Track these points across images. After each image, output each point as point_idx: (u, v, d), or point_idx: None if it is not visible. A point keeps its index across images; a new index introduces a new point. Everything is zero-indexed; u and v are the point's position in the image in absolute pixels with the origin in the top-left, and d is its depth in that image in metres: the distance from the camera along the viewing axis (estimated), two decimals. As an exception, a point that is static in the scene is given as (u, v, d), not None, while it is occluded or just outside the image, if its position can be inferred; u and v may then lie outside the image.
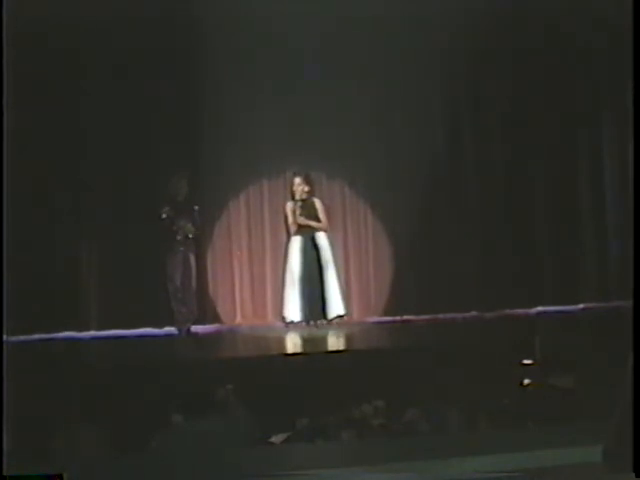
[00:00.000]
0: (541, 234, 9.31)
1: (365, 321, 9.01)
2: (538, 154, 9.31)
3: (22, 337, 7.81)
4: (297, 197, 8.54)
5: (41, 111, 8.42)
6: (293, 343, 7.97)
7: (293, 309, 8.52)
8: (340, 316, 8.57)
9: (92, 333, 8.60)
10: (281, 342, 8.00)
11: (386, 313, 9.14)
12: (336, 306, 8.56)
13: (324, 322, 8.47)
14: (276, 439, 4.52)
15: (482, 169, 9.30)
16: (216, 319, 8.96)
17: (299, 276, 8.49)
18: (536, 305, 9.11)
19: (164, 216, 8.13)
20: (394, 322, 8.95)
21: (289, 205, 8.62)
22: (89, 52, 8.54)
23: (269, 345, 7.97)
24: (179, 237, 8.15)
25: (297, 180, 8.56)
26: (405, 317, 9.03)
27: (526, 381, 5.17)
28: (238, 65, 8.76)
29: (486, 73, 9.18)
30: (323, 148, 8.91)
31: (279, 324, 8.67)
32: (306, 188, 8.56)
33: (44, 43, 8.36)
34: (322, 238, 8.59)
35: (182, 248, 8.21)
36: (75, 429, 4.45)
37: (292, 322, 8.51)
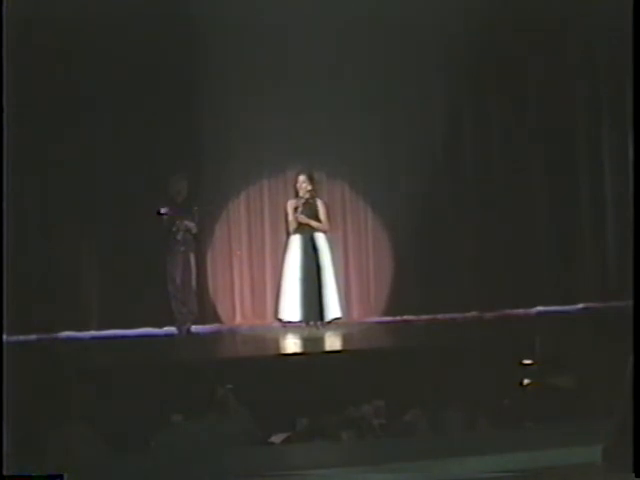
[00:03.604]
0: (541, 234, 9.31)
1: (365, 321, 9.00)
2: (538, 154, 9.31)
3: (22, 337, 7.81)
4: (301, 195, 8.52)
5: (41, 111, 8.42)
6: (293, 343, 7.95)
7: (291, 309, 8.51)
8: (337, 319, 8.55)
9: (92, 333, 8.59)
10: (281, 342, 7.99)
11: (386, 313, 9.14)
12: (333, 309, 8.54)
13: (321, 323, 8.46)
14: (276, 439, 4.53)
15: (482, 169, 9.30)
16: (216, 319, 8.95)
17: (297, 276, 8.48)
18: (536, 305, 9.12)
19: (164, 216, 8.12)
20: (394, 322, 8.95)
21: (291, 202, 8.59)
22: (89, 51, 8.53)
23: (269, 345, 7.97)
24: (179, 237, 8.15)
25: (301, 178, 8.53)
26: (405, 317, 9.02)
27: (526, 381, 5.17)
28: (238, 65, 8.75)
29: (486, 73, 9.18)
30: (323, 148, 8.91)
31: (279, 324, 8.66)
32: (309, 187, 8.54)
33: (45, 42, 8.35)
34: (321, 239, 8.56)
35: (182, 248, 8.21)
36: (75, 429, 4.44)
37: (290, 322, 8.50)
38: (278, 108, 8.79)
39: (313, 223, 8.51)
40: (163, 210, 8.07)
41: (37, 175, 8.51)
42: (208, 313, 8.86)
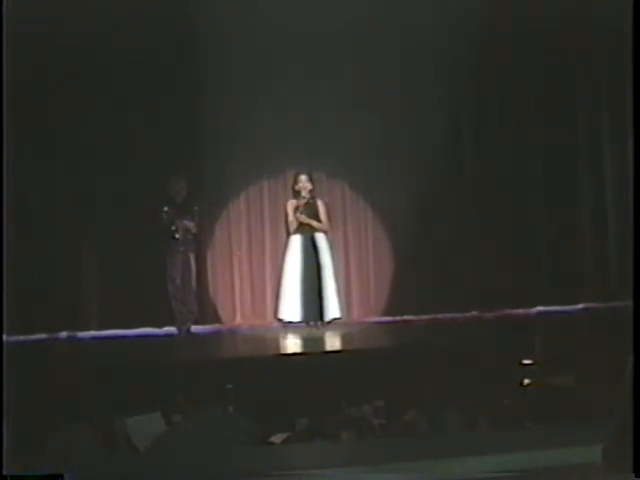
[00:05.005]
0: (541, 234, 9.31)
1: (365, 321, 9.01)
2: (538, 154, 9.31)
3: (22, 337, 7.82)
4: (302, 195, 8.51)
5: (41, 111, 8.42)
6: (293, 343, 7.96)
7: (291, 309, 8.51)
8: (337, 319, 8.55)
9: (92, 333, 8.60)
10: (281, 342, 7.99)
11: (386, 313, 9.14)
12: (333, 309, 8.54)
13: (321, 323, 8.46)
14: (276, 439, 4.52)
15: (482, 169, 9.30)
16: (216, 319, 8.96)
17: (297, 276, 8.48)
18: (536, 305, 9.12)
19: (164, 216, 8.13)
20: (394, 322, 8.96)
21: (291, 202, 8.58)
22: (89, 52, 8.53)
23: (269, 345, 7.96)
24: (179, 237, 8.15)
25: (303, 178, 8.53)
26: (405, 317, 9.03)
27: (526, 381, 5.18)
28: (238, 64, 8.76)
29: (486, 73, 9.19)
30: (323, 148, 8.92)
31: (279, 324, 8.66)
32: (310, 187, 8.54)
33: (46, 42, 8.35)
34: (322, 239, 8.56)
35: (182, 248, 8.21)
36: (75, 429, 4.44)
37: (290, 322, 8.51)
38: (278, 108, 8.79)
39: (314, 223, 8.51)
40: (164, 215, 8.09)
41: (38, 175, 8.50)
42: (208, 313, 8.86)
